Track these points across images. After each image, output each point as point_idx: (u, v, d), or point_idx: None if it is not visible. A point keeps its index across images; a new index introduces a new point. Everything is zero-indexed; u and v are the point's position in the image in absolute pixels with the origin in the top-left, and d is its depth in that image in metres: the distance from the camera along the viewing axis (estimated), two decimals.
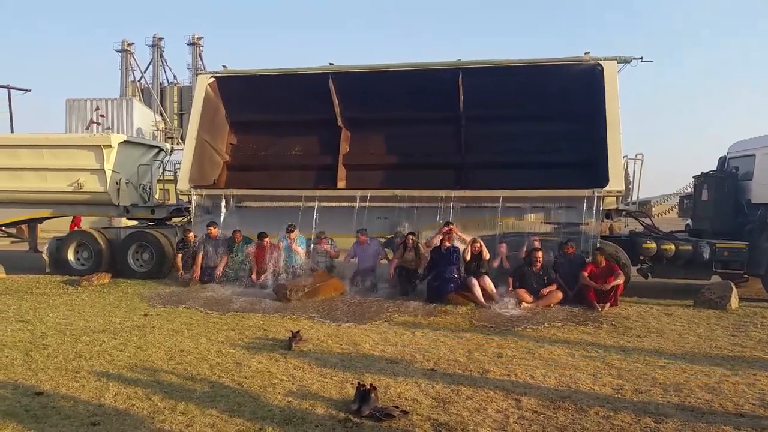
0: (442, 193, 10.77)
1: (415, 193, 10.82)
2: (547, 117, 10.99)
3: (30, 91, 30.55)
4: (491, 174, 10.85)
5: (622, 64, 10.72)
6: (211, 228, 11.14)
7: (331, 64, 11.96)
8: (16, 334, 6.98)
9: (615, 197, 10.24)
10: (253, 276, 10.62)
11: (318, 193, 11.30)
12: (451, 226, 10.03)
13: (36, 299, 9.37)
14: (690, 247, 10.18)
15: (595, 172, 10.14)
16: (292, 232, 10.71)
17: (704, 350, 6.51)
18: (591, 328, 7.60)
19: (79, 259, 12.36)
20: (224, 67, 12.44)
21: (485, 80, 11.14)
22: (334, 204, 12.65)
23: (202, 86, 12.13)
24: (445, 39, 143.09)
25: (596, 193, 9.88)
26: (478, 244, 9.58)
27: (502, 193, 10.44)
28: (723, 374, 5.59)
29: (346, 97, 11.83)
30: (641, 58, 10.81)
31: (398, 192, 10.79)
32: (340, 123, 11.94)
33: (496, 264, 9.70)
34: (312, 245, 10.98)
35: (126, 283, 10.96)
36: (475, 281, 9.20)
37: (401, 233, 10.69)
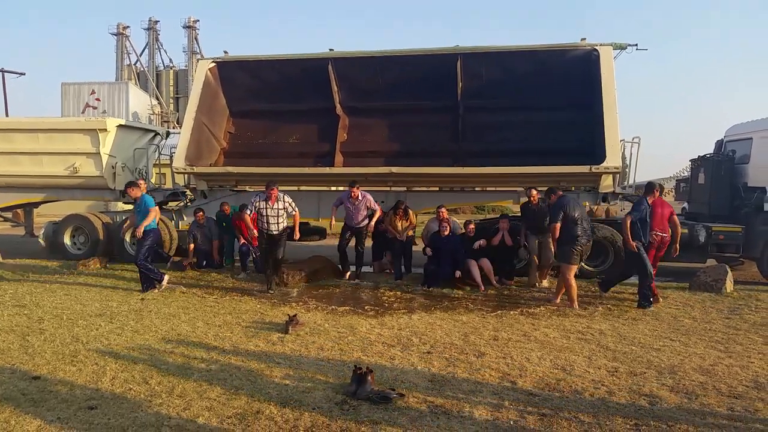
0: (438, 170, 10.77)
1: (412, 170, 10.80)
2: (544, 103, 10.92)
3: (24, 74, 30.38)
4: (488, 162, 10.78)
5: (618, 50, 10.73)
6: (199, 213, 11.16)
7: (330, 50, 11.90)
8: (13, 318, 6.99)
9: (612, 176, 10.21)
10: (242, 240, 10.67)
11: (315, 170, 11.27)
12: (443, 210, 9.98)
13: (32, 284, 9.36)
14: (686, 231, 10.21)
15: (592, 159, 10.09)
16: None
17: (699, 333, 6.55)
18: (586, 311, 7.64)
19: (75, 244, 12.36)
20: (225, 52, 12.35)
21: (483, 66, 11.12)
22: (332, 188, 12.64)
23: (203, 71, 12.03)
24: (440, 32, 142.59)
25: (593, 170, 9.87)
26: (472, 226, 9.62)
27: (498, 170, 10.43)
28: (717, 357, 5.63)
29: (345, 83, 11.77)
30: (636, 45, 10.85)
31: (395, 169, 10.75)
32: (338, 110, 11.88)
33: (496, 241, 9.67)
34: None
35: (122, 268, 10.95)
36: (474, 263, 9.22)
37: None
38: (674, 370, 5.19)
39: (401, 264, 10.20)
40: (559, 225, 8.02)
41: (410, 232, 10.27)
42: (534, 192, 9.34)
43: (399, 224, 10.06)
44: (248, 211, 8.81)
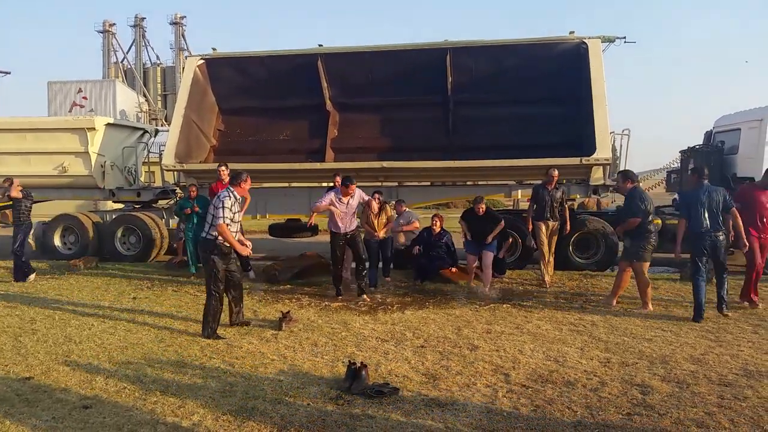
0: (430, 164, 10.78)
1: (403, 164, 10.81)
2: (534, 96, 10.95)
3: (9, 73, 30.04)
4: (479, 155, 10.80)
5: (607, 43, 10.79)
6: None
7: (320, 45, 11.87)
8: (5, 319, 6.94)
9: (602, 168, 10.26)
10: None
11: (306, 166, 11.24)
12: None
13: (23, 284, 9.30)
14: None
15: (582, 151, 10.13)
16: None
17: (690, 322, 6.61)
18: (578, 303, 7.69)
19: (65, 243, 12.28)
20: (214, 49, 12.29)
21: (473, 60, 11.16)
22: (323, 184, 12.59)
23: (191, 68, 11.96)
24: (431, 28, 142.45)
25: (584, 162, 9.92)
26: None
27: (490, 163, 10.46)
28: (708, 346, 5.69)
29: (335, 79, 11.74)
30: (624, 38, 10.93)
31: (386, 164, 10.75)
32: (328, 106, 11.85)
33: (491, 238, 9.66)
34: None
35: (113, 267, 10.89)
36: (473, 257, 9.19)
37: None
38: (666, 359, 5.25)
39: (376, 267, 9.28)
40: (639, 220, 7.11)
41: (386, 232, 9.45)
42: (555, 173, 8.90)
43: (375, 220, 9.09)
44: (221, 219, 6.03)
